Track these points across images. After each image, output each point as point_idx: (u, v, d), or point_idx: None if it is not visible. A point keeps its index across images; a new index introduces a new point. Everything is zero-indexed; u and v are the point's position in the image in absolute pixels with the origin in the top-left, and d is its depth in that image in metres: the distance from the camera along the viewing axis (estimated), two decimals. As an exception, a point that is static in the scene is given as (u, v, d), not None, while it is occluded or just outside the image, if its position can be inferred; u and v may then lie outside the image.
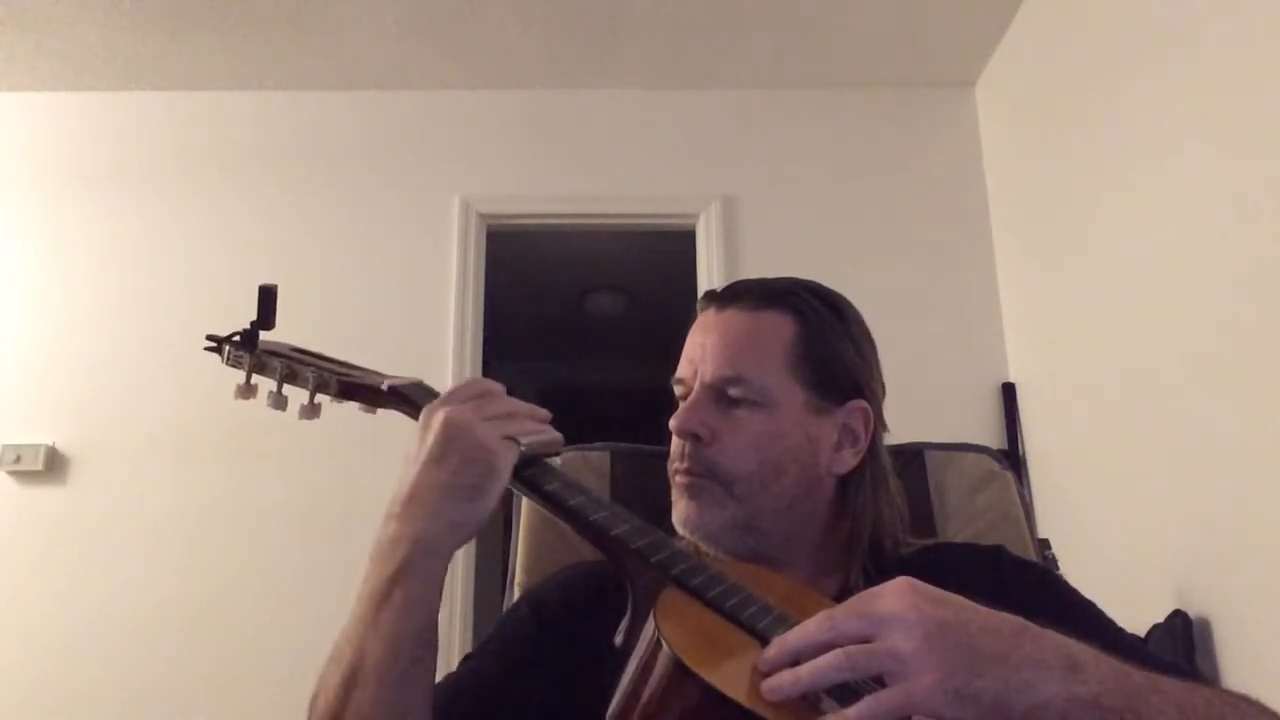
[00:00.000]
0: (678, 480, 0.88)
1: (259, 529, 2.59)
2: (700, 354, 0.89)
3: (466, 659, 0.87)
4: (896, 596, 0.59)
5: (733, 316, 0.90)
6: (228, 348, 0.89)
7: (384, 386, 0.83)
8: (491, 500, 0.70)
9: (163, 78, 2.94)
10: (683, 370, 0.91)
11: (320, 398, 0.85)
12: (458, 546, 0.70)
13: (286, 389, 0.87)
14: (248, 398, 0.88)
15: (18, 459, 2.60)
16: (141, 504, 2.60)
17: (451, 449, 0.69)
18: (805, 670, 0.58)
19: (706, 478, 0.86)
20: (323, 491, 2.62)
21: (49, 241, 2.85)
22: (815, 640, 0.59)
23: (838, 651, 0.57)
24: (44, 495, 2.60)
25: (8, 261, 2.83)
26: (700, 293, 3.21)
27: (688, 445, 0.87)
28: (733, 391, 0.87)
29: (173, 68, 2.89)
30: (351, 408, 0.86)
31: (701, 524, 0.85)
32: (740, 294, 0.92)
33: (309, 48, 2.83)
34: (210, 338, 0.89)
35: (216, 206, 2.89)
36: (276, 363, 0.87)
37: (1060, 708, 0.56)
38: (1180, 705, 0.60)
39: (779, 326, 0.89)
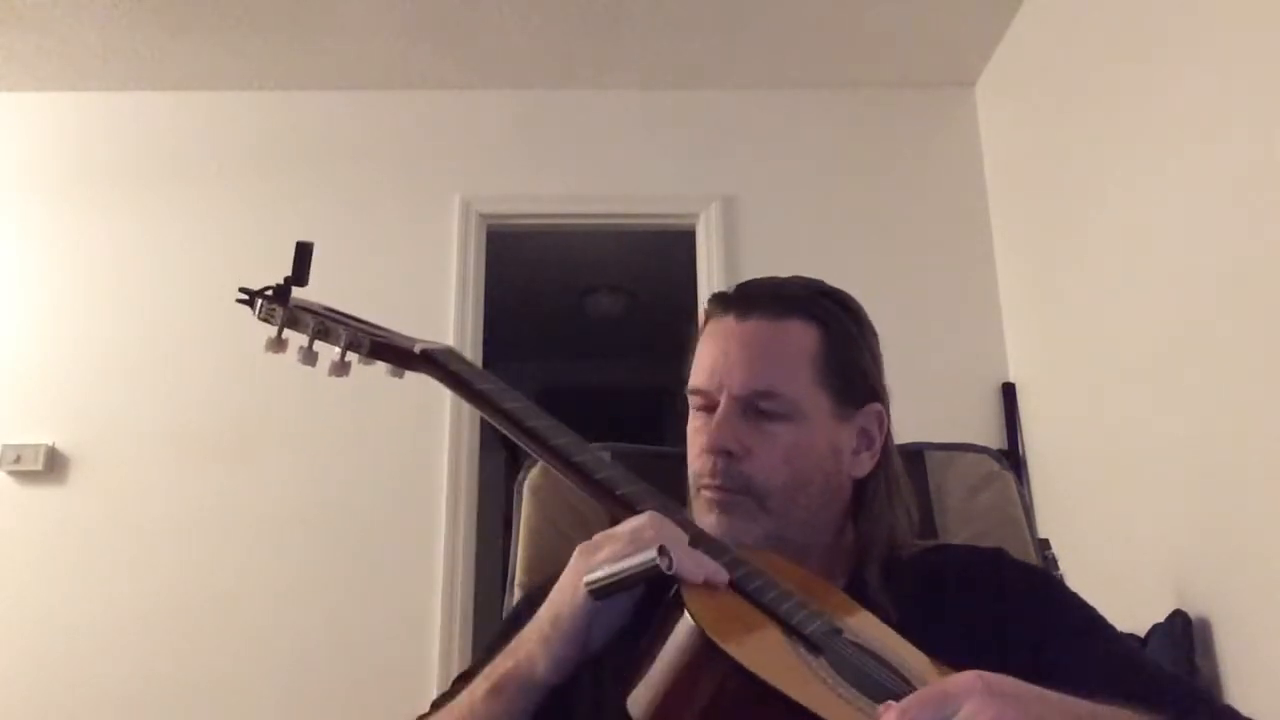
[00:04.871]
0: (707, 496, 0.86)
1: (258, 529, 2.59)
2: (723, 364, 0.87)
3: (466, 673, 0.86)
4: (973, 702, 0.56)
5: (756, 326, 0.87)
6: (261, 301, 0.87)
7: (416, 349, 0.84)
8: (555, 649, 0.68)
9: (163, 78, 2.94)
10: (702, 380, 0.88)
11: (350, 356, 0.85)
12: (550, 680, 0.70)
13: (317, 345, 0.85)
14: (279, 351, 0.86)
15: (18, 459, 2.60)
16: (142, 504, 2.60)
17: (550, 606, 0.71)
18: None
19: (740, 493, 0.85)
20: (322, 491, 2.62)
21: (49, 241, 2.85)
22: None
23: None
24: (44, 495, 2.60)
25: (8, 261, 2.83)
26: (701, 293, 3.16)
27: (719, 461, 0.85)
28: (763, 405, 0.85)
29: (173, 68, 2.89)
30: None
31: (733, 539, 0.84)
32: (758, 300, 0.89)
33: (309, 48, 2.83)
34: (243, 290, 0.87)
35: (216, 206, 2.89)
36: (309, 319, 0.86)
37: None
38: None
39: (803, 336, 0.87)
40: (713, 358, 0.88)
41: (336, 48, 2.83)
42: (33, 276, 2.82)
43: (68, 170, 2.92)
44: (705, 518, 0.86)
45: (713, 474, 0.85)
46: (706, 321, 0.92)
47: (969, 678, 0.57)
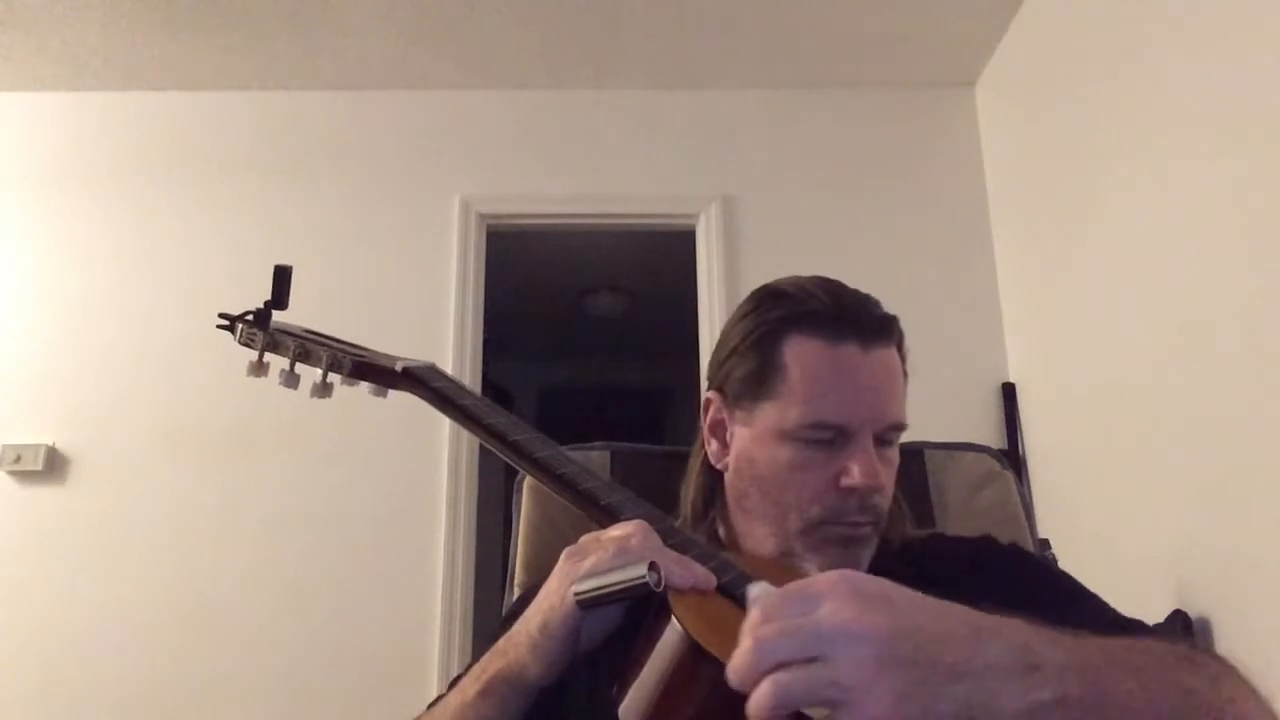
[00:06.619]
0: (843, 532, 0.83)
1: (257, 529, 2.59)
2: (862, 399, 0.83)
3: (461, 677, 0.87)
4: (835, 602, 0.51)
5: (881, 356, 0.85)
6: (241, 326, 0.89)
7: (398, 368, 0.85)
8: (544, 654, 0.67)
9: (163, 78, 2.94)
10: (840, 415, 0.82)
11: (332, 377, 0.86)
12: (541, 681, 0.69)
13: (299, 368, 0.87)
14: (260, 376, 0.88)
15: (18, 459, 2.60)
16: (141, 504, 2.60)
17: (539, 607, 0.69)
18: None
19: (874, 524, 0.84)
20: (321, 492, 2.62)
21: (48, 241, 2.85)
22: (752, 671, 0.51)
23: (768, 691, 0.49)
24: (44, 495, 2.60)
25: (7, 261, 2.83)
26: (701, 293, 3.13)
27: (873, 498, 0.82)
28: (892, 435, 0.85)
29: (173, 68, 2.90)
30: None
31: (856, 568, 0.84)
32: (869, 325, 0.85)
33: (309, 48, 2.83)
34: (223, 315, 0.89)
35: (216, 207, 2.89)
36: (290, 341, 0.87)
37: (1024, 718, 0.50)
38: (1137, 670, 0.55)
39: (898, 360, 0.88)
40: (851, 392, 0.83)
41: (336, 48, 2.83)
42: (32, 276, 2.82)
43: (68, 170, 2.92)
44: (828, 552, 0.83)
45: (860, 511, 0.82)
46: (804, 340, 0.84)
47: (833, 576, 0.53)
